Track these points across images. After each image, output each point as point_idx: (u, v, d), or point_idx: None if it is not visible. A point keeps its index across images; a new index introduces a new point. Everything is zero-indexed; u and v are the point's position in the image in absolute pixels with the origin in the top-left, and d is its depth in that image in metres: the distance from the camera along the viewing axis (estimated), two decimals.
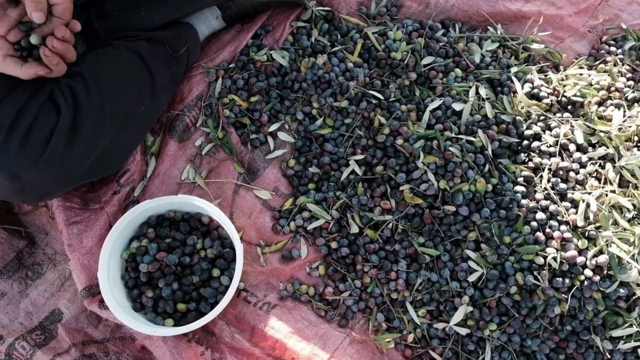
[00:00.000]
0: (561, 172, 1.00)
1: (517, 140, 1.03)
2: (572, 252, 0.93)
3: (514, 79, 1.09)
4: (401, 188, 0.99)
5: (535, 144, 1.02)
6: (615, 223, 0.95)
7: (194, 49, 1.08)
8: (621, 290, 0.92)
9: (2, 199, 0.97)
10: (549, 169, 1.00)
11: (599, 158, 1.01)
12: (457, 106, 1.04)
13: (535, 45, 1.17)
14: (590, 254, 0.93)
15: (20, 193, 0.85)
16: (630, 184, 0.99)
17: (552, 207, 0.97)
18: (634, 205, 0.96)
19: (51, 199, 0.96)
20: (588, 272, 0.92)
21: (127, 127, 0.95)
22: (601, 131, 1.03)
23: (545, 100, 1.08)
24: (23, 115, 0.80)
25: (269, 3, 1.13)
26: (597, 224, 0.95)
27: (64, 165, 0.84)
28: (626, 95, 1.09)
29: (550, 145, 1.02)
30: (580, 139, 1.02)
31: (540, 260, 0.94)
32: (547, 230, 0.96)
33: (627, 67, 1.15)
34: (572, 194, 0.98)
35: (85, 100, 0.86)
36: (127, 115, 0.93)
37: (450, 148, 0.99)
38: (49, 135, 0.82)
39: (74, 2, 0.88)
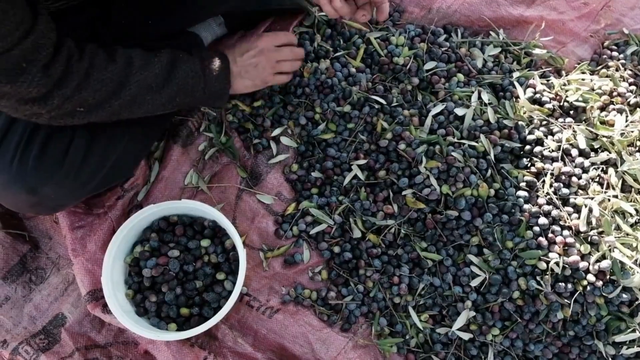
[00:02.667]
0: (563, 177, 1.00)
1: (520, 145, 1.03)
2: (574, 257, 0.93)
3: (516, 84, 1.09)
4: (404, 193, 1.00)
5: (537, 148, 1.02)
6: (618, 228, 0.95)
7: None
8: (624, 296, 0.92)
9: (15, 211, 0.97)
10: (552, 174, 1.00)
11: (602, 163, 1.01)
12: (459, 111, 1.05)
13: (537, 50, 1.17)
14: (592, 259, 0.93)
15: (36, 206, 0.86)
16: (633, 189, 0.99)
17: (554, 212, 0.97)
18: (636, 210, 0.96)
19: (63, 210, 0.97)
20: (591, 277, 0.92)
21: (138, 136, 0.96)
22: (603, 136, 1.03)
23: (548, 105, 1.08)
24: (39, 131, 0.81)
25: (272, 10, 1.14)
26: (600, 229, 0.95)
27: (79, 179, 0.85)
28: (628, 100, 1.09)
29: (553, 150, 1.02)
30: (582, 144, 1.02)
31: (542, 265, 0.94)
32: (550, 235, 0.96)
33: (629, 72, 1.16)
34: (575, 199, 0.98)
35: None
36: (139, 124, 0.94)
37: (452, 153, 0.99)
38: (65, 150, 0.83)
39: (78, 11, 0.88)
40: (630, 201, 0.98)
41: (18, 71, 0.68)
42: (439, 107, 1.05)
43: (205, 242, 0.98)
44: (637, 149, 1.03)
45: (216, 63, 0.93)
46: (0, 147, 0.80)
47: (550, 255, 0.94)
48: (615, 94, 1.10)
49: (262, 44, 0.99)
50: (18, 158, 0.79)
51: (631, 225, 0.96)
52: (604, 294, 0.92)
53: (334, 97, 1.08)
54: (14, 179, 0.80)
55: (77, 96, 0.75)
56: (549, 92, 1.10)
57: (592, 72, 1.18)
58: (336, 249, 1.02)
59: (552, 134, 1.06)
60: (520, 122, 1.05)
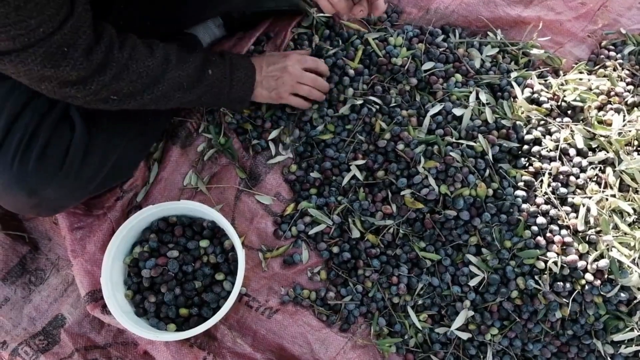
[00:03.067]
0: (561, 177, 1.00)
1: (518, 145, 1.03)
2: (572, 257, 0.93)
3: (514, 84, 1.10)
4: (402, 193, 1.00)
5: (535, 148, 1.03)
6: (616, 227, 0.95)
7: None
8: (622, 295, 0.92)
9: (15, 212, 0.97)
10: (549, 174, 1.00)
11: (599, 162, 1.02)
12: (457, 111, 1.05)
13: (535, 51, 1.17)
14: (591, 258, 0.93)
15: (36, 207, 0.87)
16: (631, 188, 0.99)
17: (552, 212, 0.97)
18: (634, 209, 0.97)
19: (64, 211, 0.97)
20: (589, 277, 0.92)
21: (137, 137, 0.96)
22: (601, 135, 1.03)
23: (545, 105, 1.08)
24: (39, 132, 0.82)
25: (271, 12, 1.14)
26: (598, 228, 0.95)
27: (79, 180, 0.86)
28: (626, 99, 1.10)
29: (551, 150, 1.03)
30: (580, 144, 1.02)
31: (541, 265, 0.94)
32: (548, 234, 0.96)
33: (627, 72, 1.16)
34: (573, 198, 0.98)
35: (99, 115, 0.87)
36: (138, 125, 0.94)
37: (450, 153, 0.99)
38: (65, 151, 0.83)
39: None
40: (628, 200, 0.98)
41: (60, 55, 0.69)
42: (437, 108, 1.06)
43: (204, 243, 0.99)
44: (634, 148, 1.03)
45: (244, 71, 0.96)
46: (1, 149, 0.80)
47: (549, 254, 0.94)
48: (612, 93, 1.11)
49: (290, 62, 1.02)
50: (18, 159, 0.79)
51: (629, 225, 0.96)
52: (602, 293, 0.92)
53: (332, 103, 1.09)
54: (14, 180, 0.80)
55: (114, 84, 0.77)
56: (547, 92, 1.11)
57: (590, 72, 1.18)
58: (335, 249, 1.02)
59: (550, 134, 1.06)
60: (518, 122, 1.05)
